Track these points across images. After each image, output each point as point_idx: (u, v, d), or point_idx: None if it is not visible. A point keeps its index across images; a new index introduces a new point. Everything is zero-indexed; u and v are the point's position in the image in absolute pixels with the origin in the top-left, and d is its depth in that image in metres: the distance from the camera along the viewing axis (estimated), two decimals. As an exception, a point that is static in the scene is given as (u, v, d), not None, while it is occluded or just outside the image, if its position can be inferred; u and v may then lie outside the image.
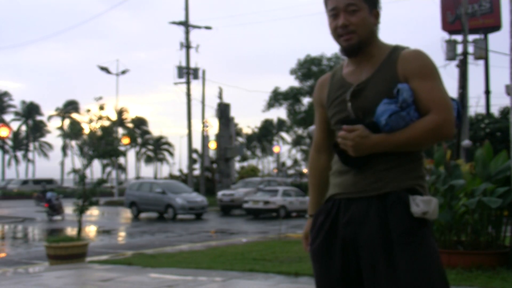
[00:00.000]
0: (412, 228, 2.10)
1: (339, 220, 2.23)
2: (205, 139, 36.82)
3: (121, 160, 75.76)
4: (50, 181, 50.14)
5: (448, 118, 2.13)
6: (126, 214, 27.54)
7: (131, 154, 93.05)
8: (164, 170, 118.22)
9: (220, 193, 28.07)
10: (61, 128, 78.61)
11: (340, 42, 2.27)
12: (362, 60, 2.28)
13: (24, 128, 79.43)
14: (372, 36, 2.27)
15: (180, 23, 35.50)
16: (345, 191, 2.24)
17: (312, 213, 2.42)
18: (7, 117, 77.69)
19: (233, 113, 55.76)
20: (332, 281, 2.25)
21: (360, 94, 2.22)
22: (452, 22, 32.47)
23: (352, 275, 2.20)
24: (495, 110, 52.25)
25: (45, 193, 24.59)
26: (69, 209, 15.80)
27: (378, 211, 2.14)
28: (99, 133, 12.23)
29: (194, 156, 43.60)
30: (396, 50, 2.25)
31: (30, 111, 78.73)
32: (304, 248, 2.47)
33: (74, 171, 69.16)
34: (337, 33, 2.26)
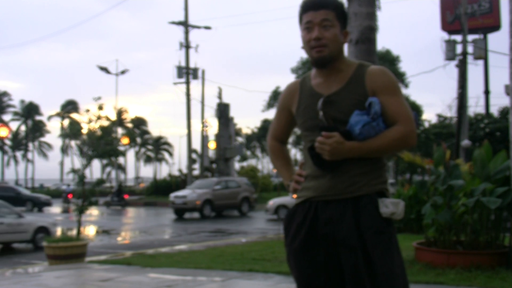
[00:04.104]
0: (382, 227, 2.38)
1: (318, 220, 2.44)
2: (204, 139, 36.80)
3: (121, 160, 75.75)
4: None
5: (412, 129, 2.41)
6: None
7: (131, 154, 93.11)
8: (164, 170, 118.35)
9: (172, 195, 25.72)
10: (61, 128, 78.55)
11: (312, 54, 2.48)
12: (330, 73, 2.50)
13: (23, 128, 79.33)
14: (340, 53, 2.50)
15: (179, 23, 35.49)
16: (321, 194, 2.45)
17: (291, 180, 2.62)
18: (6, 117, 77.60)
19: (232, 113, 55.83)
20: (315, 275, 2.43)
21: (331, 105, 2.45)
22: (451, 22, 32.49)
23: (334, 269, 2.42)
24: (494, 110, 52.33)
25: None
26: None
27: (353, 212, 2.39)
28: (99, 133, 12.21)
29: (194, 156, 43.62)
30: (362, 66, 2.49)
31: (30, 111, 78.61)
32: (293, 185, 2.58)
33: (73, 171, 69.03)
34: (310, 45, 2.47)
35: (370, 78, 2.44)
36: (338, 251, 2.40)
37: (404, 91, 48.89)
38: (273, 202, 23.34)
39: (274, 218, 22.59)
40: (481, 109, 46.65)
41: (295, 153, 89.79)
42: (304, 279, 2.47)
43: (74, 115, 72.94)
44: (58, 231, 14.45)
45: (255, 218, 24.54)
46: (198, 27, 36.14)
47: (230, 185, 26.73)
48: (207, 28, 36.38)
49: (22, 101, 79.07)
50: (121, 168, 78.67)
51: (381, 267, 2.31)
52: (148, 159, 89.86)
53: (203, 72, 36.84)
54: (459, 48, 23.90)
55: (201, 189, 25.52)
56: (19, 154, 79.52)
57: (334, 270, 2.42)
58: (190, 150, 36.25)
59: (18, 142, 78.50)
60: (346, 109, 2.42)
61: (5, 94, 78.24)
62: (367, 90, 2.43)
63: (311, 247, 2.44)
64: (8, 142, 75.99)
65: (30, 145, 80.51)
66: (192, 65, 38.92)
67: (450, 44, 24.27)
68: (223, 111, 36.78)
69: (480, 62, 31.83)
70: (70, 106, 78.25)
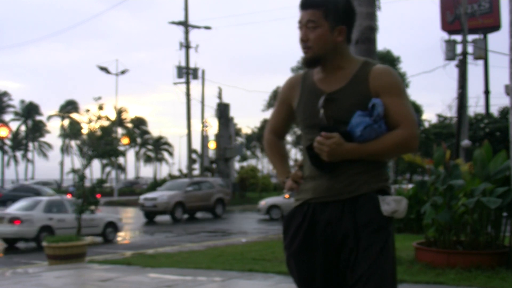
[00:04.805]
0: (379, 226, 2.31)
1: (317, 222, 2.39)
2: (204, 139, 36.81)
3: (121, 160, 75.74)
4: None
5: (414, 133, 2.34)
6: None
7: (131, 154, 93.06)
8: (164, 170, 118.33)
9: (142, 197, 24.55)
10: (61, 128, 78.61)
11: (302, 54, 2.45)
12: (332, 70, 2.43)
13: (23, 128, 79.34)
14: (335, 51, 2.40)
15: (179, 23, 35.50)
16: (320, 196, 2.40)
17: (287, 177, 2.56)
18: (6, 117, 77.61)
19: (232, 113, 55.80)
20: (315, 278, 2.40)
21: (332, 103, 2.37)
22: (451, 22, 32.50)
23: (333, 271, 2.38)
24: (494, 110, 52.28)
25: None
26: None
27: (351, 212, 2.34)
28: (99, 133, 12.24)
29: (194, 156, 43.63)
30: (367, 65, 2.41)
31: (30, 111, 78.60)
32: (289, 184, 2.52)
33: (74, 171, 69.12)
34: (300, 45, 2.44)
35: (374, 77, 2.36)
36: (338, 253, 2.36)
37: (404, 91, 48.83)
38: (265, 202, 23.06)
39: (266, 218, 22.44)
40: (481, 109, 46.67)
41: (295, 153, 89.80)
42: (304, 282, 2.43)
43: (74, 115, 73.09)
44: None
45: (234, 218, 23.94)
46: (198, 27, 36.15)
47: (203, 186, 25.57)
48: (207, 28, 36.39)
49: (22, 101, 79.08)
50: (121, 168, 78.69)
51: (374, 266, 2.26)
52: (148, 159, 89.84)
53: (203, 72, 36.87)
54: (459, 48, 23.91)
55: (172, 190, 24.39)
56: (19, 154, 79.53)
57: (334, 272, 2.38)
58: (190, 150, 36.24)
59: (18, 142, 78.50)
60: (347, 109, 2.34)
61: (5, 94, 78.25)
62: (370, 90, 2.35)
63: (310, 249, 2.40)
64: (8, 142, 75.98)
65: (30, 145, 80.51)
66: (192, 65, 38.93)
67: (450, 44, 24.28)
68: (223, 111, 36.80)
69: (480, 62, 31.85)
70: (70, 106, 78.25)
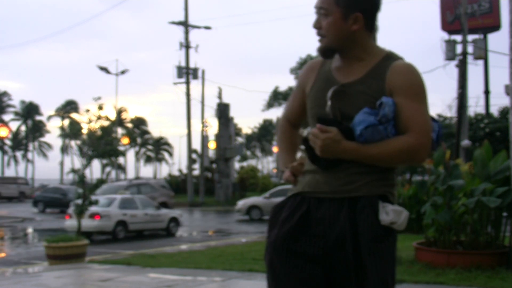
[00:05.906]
0: (380, 235, 2.10)
1: (309, 217, 2.18)
2: (204, 139, 36.80)
3: (121, 160, 75.76)
4: None
5: (424, 143, 2.10)
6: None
7: (131, 154, 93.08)
8: (164, 170, 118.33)
9: (72, 204, 21.98)
10: (61, 128, 78.64)
11: None
12: (350, 60, 2.21)
13: (23, 128, 79.38)
14: (352, 41, 2.18)
15: (179, 23, 35.54)
16: (316, 190, 2.19)
17: (288, 167, 2.31)
18: (6, 117, 77.69)
19: (232, 113, 55.88)
20: (294, 272, 2.16)
21: (342, 96, 2.16)
22: (451, 22, 32.48)
23: (317, 268, 2.15)
24: (494, 110, 52.30)
25: None
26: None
27: (348, 214, 2.12)
28: (99, 133, 12.24)
29: (194, 156, 43.61)
30: (388, 59, 2.18)
31: (30, 111, 78.64)
32: (287, 175, 2.29)
33: (73, 171, 69.13)
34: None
35: (392, 74, 2.13)
36: (326, 254, 2.14)
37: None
38: (244, 203, 22.70)
39: (245, 219, 22.18)
40: (481, 109, 46.65)
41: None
42: (282, 273, 2.17)
43: (74, 115, 73.07)
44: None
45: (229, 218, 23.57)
46: (198, 27, 36.19)
47: (144, 189, 23.85)
48: (207, 28, 36.43)
49: (22, 101, 79.13)
50: (121, 168, 78.67)
51: (373, 276, 2.08)
52: (148, 159, 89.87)
53: (203, 72, 36.89)
54: (459, 48, 23.90)
55: (106, 195, 20.83)
56: (19, 154, 79.57)
57: (318, 269, 2.15)
58: (190, 150, 36.25)
59: (18, 142, 78.52)
60: (357, 104, 2.13)
61: (5, 94, 78.28)
62: (386, 88, 2.13)
63: (294, 243, 2.16)
64: (8, 142, 76.01)
65: (30, 145, 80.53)
66: (192, 65, 38.98)
67: (450, 44, 24.27)
68: (223, 111, 36.81)
69: (480, 62, 31.80)
70: (69, 106, 78.29)
